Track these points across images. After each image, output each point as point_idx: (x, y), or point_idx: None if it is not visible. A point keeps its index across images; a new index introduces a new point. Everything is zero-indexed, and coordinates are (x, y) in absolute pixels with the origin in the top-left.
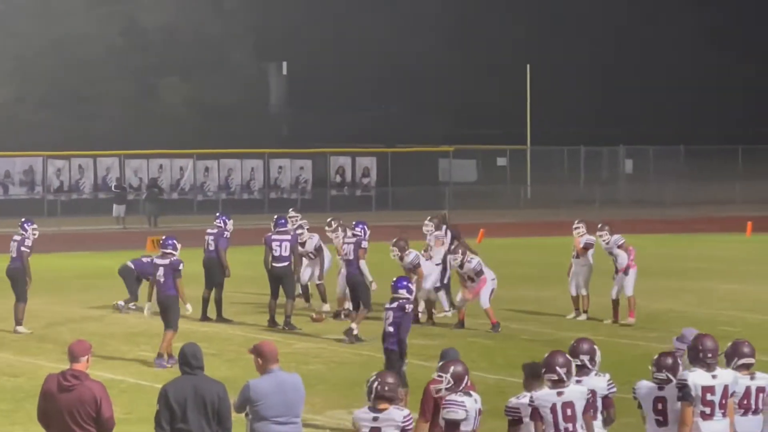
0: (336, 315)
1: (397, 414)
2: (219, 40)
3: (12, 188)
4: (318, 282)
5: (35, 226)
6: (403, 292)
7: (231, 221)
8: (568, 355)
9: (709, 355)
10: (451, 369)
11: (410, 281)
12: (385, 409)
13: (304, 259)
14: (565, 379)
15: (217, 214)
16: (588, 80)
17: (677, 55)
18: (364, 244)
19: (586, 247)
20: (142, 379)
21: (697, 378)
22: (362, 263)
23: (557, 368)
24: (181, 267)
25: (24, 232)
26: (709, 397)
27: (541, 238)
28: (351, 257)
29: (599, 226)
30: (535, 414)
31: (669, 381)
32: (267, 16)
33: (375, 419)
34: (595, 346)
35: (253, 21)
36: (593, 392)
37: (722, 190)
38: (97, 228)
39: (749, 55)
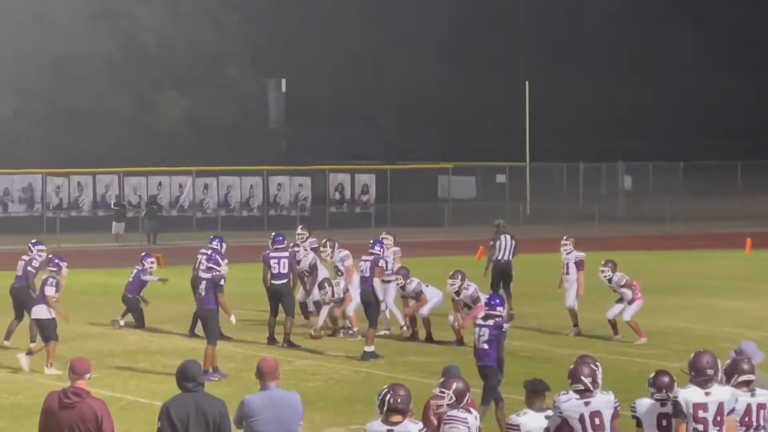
0: (334, 332)
1: (412, 427)
2: (218, 57)
3: (11, 205)
4: (315, 299)
5: (41, 247)
6: (499, 310)
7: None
8: (593, 365)
9: (695, 372)
10: (454, 386)
11: (502, 299)
12: (399, 422)
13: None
14: (591, 388)
15: (212, 237)
16: (587, 96)
17: (676, 71)
18: (382, 263)
19: (579, 265)
20: (141, 396)
21: (688, 395)
22: (376, 281)
23: (582, 378)
24: (222, 282)
25: (30, 253)
26: (701, 414)
27: (541, 255)
28: (367, 274)
29: (564, 238)
30: (564, 425)
31: (669, 399)
32: (266, 32)
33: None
34: (595, 367)
35: (251, 37)
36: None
37: (721, 206)
38: (97, 245)
39: (748, 71)
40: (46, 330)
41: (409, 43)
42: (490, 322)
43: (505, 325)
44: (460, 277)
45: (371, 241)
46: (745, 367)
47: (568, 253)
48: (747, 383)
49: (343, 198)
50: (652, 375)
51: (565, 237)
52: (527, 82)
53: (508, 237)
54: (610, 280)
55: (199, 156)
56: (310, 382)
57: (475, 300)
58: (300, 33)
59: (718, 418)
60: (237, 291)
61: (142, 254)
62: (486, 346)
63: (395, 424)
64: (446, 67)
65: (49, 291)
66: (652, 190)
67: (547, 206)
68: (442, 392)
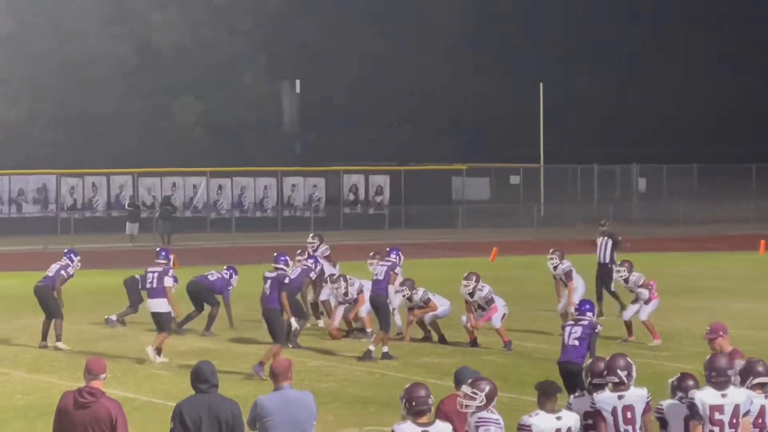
0: (348, 333)
1: (445, 427)
2: (232, 59)
3: (25, 206)
4: (324, 299)
5: (80, 257)
6: (589, 315)
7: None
8: (629, 359)
9: (714, 374)
10: (486, 388)
11: (592, 305)
12: (431, 423)
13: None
14: (626, 381)
15: (225, 268)
16: (601, 99)
17: (690, 74)
18: (398, 270)
19: (568, 276)
20: (155, 396)
21: (704, 396)
22: (391, 288)
23: (618, 371)
24: (287, 281)
25: (70, 262)
26: (717, 416)
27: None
28: (381, 278)
29: (549, 251)
30: (598, 416)
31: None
32: (280, 34)
33: None
34: (631, 361)
35: (265, 41)
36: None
37: (735, 208)
38: (111, 246)
39: (763, 73)
40: (162, 323)
41: (423, 45)
42: (584, 321)
43: (599, 327)
44: (474, 278)
45: (388, 249)
46: (760, 369)
47: (555, 267)
48: (762, 385)
49: (357, 199)
50: (676, 378)
51: (551, 250)
52: (541, 84)
53: (606, 239)
54: (626, 281)
55: (214, 158)
56: (323, 383)
57: (489, 302)
58: (314, 35)
59: (734, 420)
60: (249, 292)
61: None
62: (577, 343)
63: (427, 425)
64: (460, 69)
65: (168, 282)
66: (666, 193)
67: (561, 208)
68: (474, 393)
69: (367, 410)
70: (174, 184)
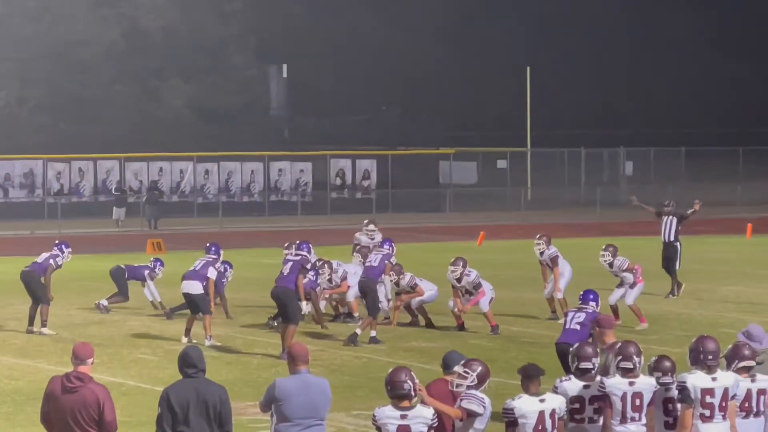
0: (335, 318)
1: (425, 411)
2: (219, 43)
3: (12, 191)
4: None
5: (71, 249)
6: (592, 305)
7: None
8: (639, 346)
9: (710, 357)
10: (479, 369)
11: (596, 295)
12: (410, 407)
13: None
14: (637, 368)
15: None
16: (588, 82)
17: (678, 56)
18: (393, 260)
19: (554, 262)
20: (142, 381)
21: (696, 380)
22: (386, 279)
23: (634, 357)
24: (308, 265)
25: (60, 253)
26: (708, 399)
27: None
28: (375, 264)
29: (536, 237)
30: (606, 401)
31: (673, 383)
32: (267, 18)
33: (403, 417)
34: (641, 348)
35: (253, 24)
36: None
37: (723, 192)
38: (98, 231)
39: (750, 57)
40: (198, 305)
41: (411, 29)
42: (588, 309)
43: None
44: (461, 263)
45: (380, 241)
46: (746, 352)
47: (541, 253)
48: (747, 369)
49: (344, 184)
50: (653, 360)
51: (538, 235)
52: (528, 68)
53: (672, 218)
54: (611, 265)
55: (201, 142)
56: (311, 368)
57: (476, 286)
58: (301, 19)
59: (724, 404)
60: (238, 276)
61: (153, 259)
62: (578, 327)
63: (407, 408)
64: (448, 53)
65: (212, 274)
66: (653, 176)
67: (548, 192)
68: (466, 372)
69: (355, 395)
70: (161, 169)
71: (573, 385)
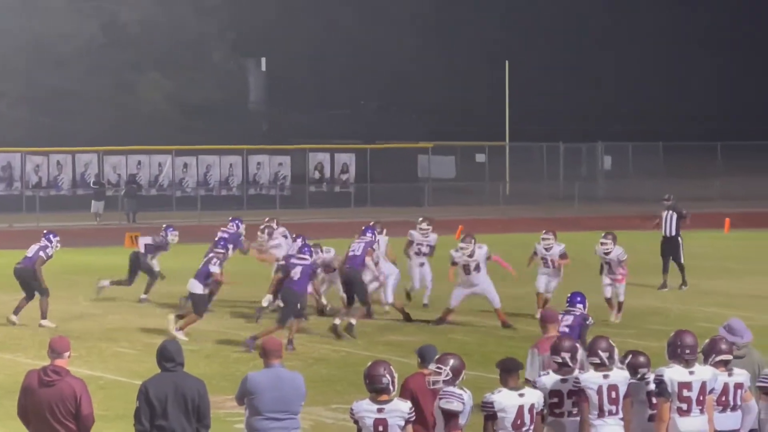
0: (320, 311)
1: (402, 405)
2: (198, 37)
3: None
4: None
5: (59, 239)
6: (579, 307)
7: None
8: (611, 341)
9: (687, 351)
10: (450, 362)
11: (584, 297)
12: (388, 401)
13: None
14: (606, 363)
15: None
16: (567, 77)
17: (656, 51)
18: (375, 245)
19: (563, 258)
20: (120, 375)
21: (673, 374)
22: (369, 262)
23: (600, 352)
24: (318, 270)
25: (49, 243)
26: (685, 393)
27: (520, 235)
28: (358, 253)
29: (543, 232)
30: (582, 395)
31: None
32: (246, 12)
33: (380, 410)
34: (612, 344)
35: (232, 17)
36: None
37: (701, 186)
38: (76, 224)
39: (728, 52)
40: (196, 305)
41: (390, 23)
42: (576, 312)
43: (590, 319)
44: (472, 240)
45: (363, 227)
46: (723, 346)
47: (548, 249)
48: (725, 363)
49: (322, 177)
50: (629, 358)
51: (544, 231)
52: (507, 62)
53: (672, 212)
54: (608, 253)
55: (179, 136)
56: (289, 362)
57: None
58: (280, 14)
59: (701, 398)
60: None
61: (165, 225)
62: (567, 330)
63: (385, 402)
64: (426, 47)
65: (214, 269)
66: (632, 171)
67: (526, 186)
68: (439, 368)
69: (334, 389)
70: (139, 162)
71: (551, 380)
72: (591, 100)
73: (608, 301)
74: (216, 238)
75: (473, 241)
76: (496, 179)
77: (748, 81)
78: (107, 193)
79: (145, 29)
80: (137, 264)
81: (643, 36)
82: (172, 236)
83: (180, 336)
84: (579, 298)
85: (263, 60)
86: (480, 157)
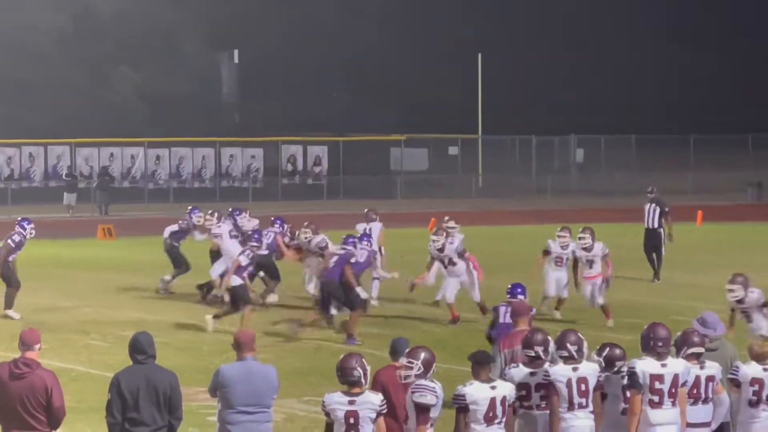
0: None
1: (374, 398)
2: (171, 29)
3: None
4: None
5: (33, 225)
6: (520, 298)
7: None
8: (580, 335)
9: (660, 343)
10: (422, 356)
11: (524, 288)
12: (359, 393)
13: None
14: (575, 356)
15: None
16: (540, 70)
17: (629, 44)
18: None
19: (607, 258)
20: (92, 368)
21: (645, 366)
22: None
23: (568, 345)
24: (353, 260)
25: (22, 230)
26: (657, 385)
27: (493, 227)
28: (361, 260)
29: (581, 230)
30: (551, 388)
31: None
32: (219, 5)
33: (351, 403)
34: (581, 337)
35: (204, 10)
36: None
37: (673, 179)
38: (48, 216)
39: (701, 45)
40: (240, 296)
41: (363, 16)
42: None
43: (534, 310)
44: (444, 234)
45: (343, 237)
46: (695, 339)
47: (585, 248)
48: (696, 355)
49: (295, 170)
50: (606, 351)
51: (582, 229)
52: (480, 55)
53: (655, 205)
54: (588, 249)
55: (152, 128)
56: (261, 354)
57: (461, 254)
58: (253, 6)
59: (673, 390)
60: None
61: (190, 208)
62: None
63: (356, 395)
64: (399, 40)
65: (244, 260)
66: (604, 164)
67: (499, 179)
68: (410, 363)
69: (306, 381)
70: (112, 155)
71: (519, 372)
72: (564, 93)
73: (602, 307)
74: (249, 231)
75: (444, 234)
76: (469, 172)
77: (721, 74)
78: (79, 185)
79: (118, 21)
80: (175, 251)
81: (617, 29)
82: (197, 218)
83: (210, 327)
84: (520, 290)
85: (236, 52)
86: (453, 150)
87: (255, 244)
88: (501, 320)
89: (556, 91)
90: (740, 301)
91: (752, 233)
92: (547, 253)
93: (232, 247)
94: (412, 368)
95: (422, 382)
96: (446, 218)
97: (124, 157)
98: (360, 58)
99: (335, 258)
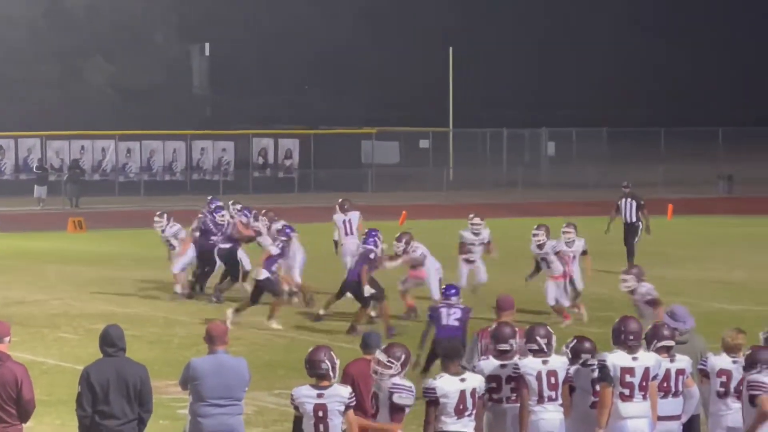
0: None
1: (342, 391)
2: (142, 22)
3: None
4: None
5: None
6: (454, 299)
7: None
8: (548, 328)
9: (631, 337)
10: (402, 357)
11: (458, 289)
12: (328, 386)
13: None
14: (545, 349)
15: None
16: (511, 63)
17: (600, 37)
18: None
19: (586, 252)
20: (63, 360)
21: (616, 359)
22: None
23: (538, 338)
24: (372, 255)
25: None
26: (628, 378)
27: (464, 221)
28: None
29: (564, 225)
30: (521, 381)
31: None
32: None
33: (319, 396)
34: (551, 330)
35: (176, 2)
36: None
37: (644, 172)
38: (19, 209)
39: (672, 38)
40: (269, 289)
41: (334, 9)
42: (460, 305)
43: (471, 312)
44: (404, 239)
45: (366, 231)
46: (666, 332)
47: (569, 243)
48: (667, 349)
49: (266, 163)
50: (573, 343)
51: (565, 224)
52: (451, 48)
53: (630, 199)
54: (541, 247)
55: (123, 120)
56: (233, 347)
57: (422, 261)
58: None
59: (644, 383)
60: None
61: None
62: (457, 323)
63: (324, 388)
64: (371, 33)
65: (275, 251)
66: (575, 157)
67: (471, 172)
68: (390, 362)
69: (276, 374)
70: (82, 147)
71: (489, 364)
72: (535, 86)
73: (553, 308)
74: (279, 227)
75: (405, 239)
76: (440, 165)
77: (692, 67)
78: (50, 178)
79: (89, 14)
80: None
81: (589, 22)
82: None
83: (274, 325)
84: (454, 290)
85: (207, 45)
86: (424, 143)
87: (285, 238)
88: (444, 322)
89: (527, 85)
90: (632, 292)
91: (723, 226)
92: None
93: (267, 242)
94: (391, 368)
95: (401, 382)
96: (471, 215)
97: (95, 149)
98: (331, 51)
99: (356, 258)
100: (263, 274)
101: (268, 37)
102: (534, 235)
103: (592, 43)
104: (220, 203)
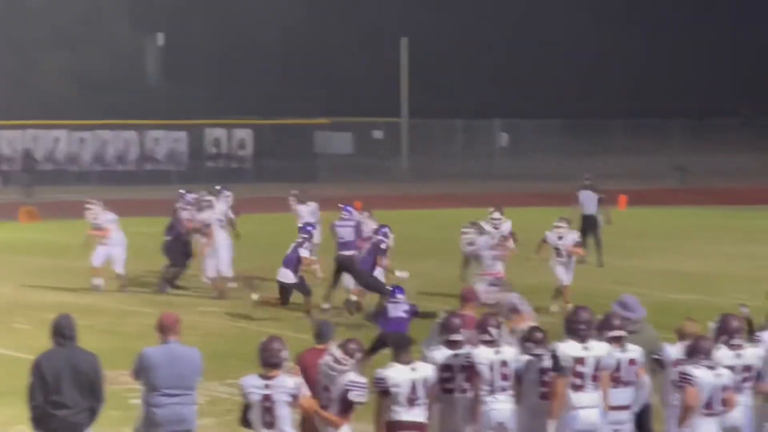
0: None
1: (289, 381)
2: (96, 11)
3: None
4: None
5: None
6: (402, 297)
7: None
8: (500, 319)
9: (582, 326)
10: (357, 355)
11: (402, 290)
12: (276, 376)
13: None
14: (497, 340)
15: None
16: (466, 53)
17: (557, 27)
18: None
19: (579, 245)
20: (17, 351)
21: (567, 349)
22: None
23: (490, 329)
24: (383, 246)
25: None
26: (579, 368)
27: (418, 211)
28: (351, 239)
29: (557, 219)
30: (472, 371)
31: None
32: None
33: (266, 386)
34: (502, 321)
35: None
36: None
37: (597, 163)
38: None
39: (630, 29)
40: (290, 293)
41: None
42: (407, 303)
43: (417, 307)
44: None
45: (344, 207)
46: (617, 322)
47: (560, 238)
48: (618, 339)
49: (219, 153)
50: (525, 333)
51: (558, 218)
52: (405, 39)
53: (590, 192)
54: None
55: (76, 110)
56: (186, 336)
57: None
58: None
59: (596, 373)
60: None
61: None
62: (404, 315)
63: (272, 378)
64: (324, 23)
65: (304, 253)
66: (530, 148)
67: (425, 163)
68: (345, 359)
69: (228, 363)
70: (35, 137)
71: (441, 354)
72: (489, 76)
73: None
74: (299, 225)
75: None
76: (394, 156)
77: (648, 58)
78: (2, 167)
79: (43, 4)
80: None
81: (546, 12)
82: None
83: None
84: (398, 290)
85: (160, 35)
86: (377, 134)
87: (305, 235)
88: (391, 315)
89: (482, 75)
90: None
91: (676, 217)
92: (544, 242)
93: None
94: (345, 365)
95: (357, 379)
96: (490, 209)
97: (48, 139)
98: (284, 41)
99: (366, 247)
100: (289, 278)
101: (221, 28)
102: (557, 227)
103: (549, 33)
104: (192, 197)
